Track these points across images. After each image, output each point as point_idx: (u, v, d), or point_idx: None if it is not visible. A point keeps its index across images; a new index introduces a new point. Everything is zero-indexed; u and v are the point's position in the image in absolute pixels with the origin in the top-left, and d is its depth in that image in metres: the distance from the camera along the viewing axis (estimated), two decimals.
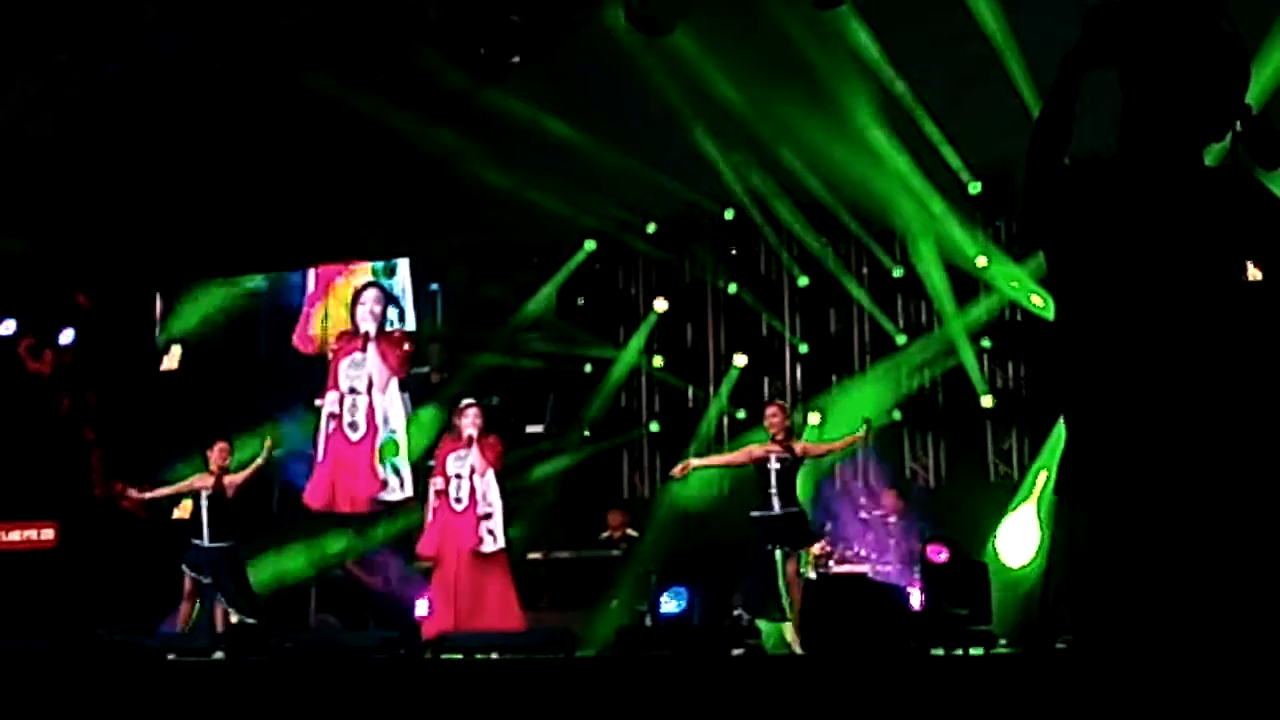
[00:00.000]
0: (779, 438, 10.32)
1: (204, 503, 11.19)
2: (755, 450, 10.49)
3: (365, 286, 13.24)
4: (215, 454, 11.38)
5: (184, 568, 11.04)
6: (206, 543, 11.09)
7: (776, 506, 10.23)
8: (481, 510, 11.09)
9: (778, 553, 10.11)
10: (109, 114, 10.75)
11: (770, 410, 10.50)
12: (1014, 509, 11.16)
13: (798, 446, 10.45)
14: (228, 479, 11.35)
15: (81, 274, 13.71)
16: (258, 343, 14.12)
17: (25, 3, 10.36)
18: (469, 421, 11.11)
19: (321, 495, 12.79)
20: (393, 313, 13.37)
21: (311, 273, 13.82)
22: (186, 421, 13.44)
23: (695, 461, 11.12)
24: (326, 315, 13.60)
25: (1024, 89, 10.36)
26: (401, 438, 12.80)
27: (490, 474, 11.14)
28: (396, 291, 13.47)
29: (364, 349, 12.91)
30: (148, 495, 11.77)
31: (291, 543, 12.64)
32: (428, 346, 13.29)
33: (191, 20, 10.31)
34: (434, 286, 13.50)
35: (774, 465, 10.27)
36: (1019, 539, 10.91)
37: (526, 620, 10.93)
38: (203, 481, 11.29)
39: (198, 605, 11.07)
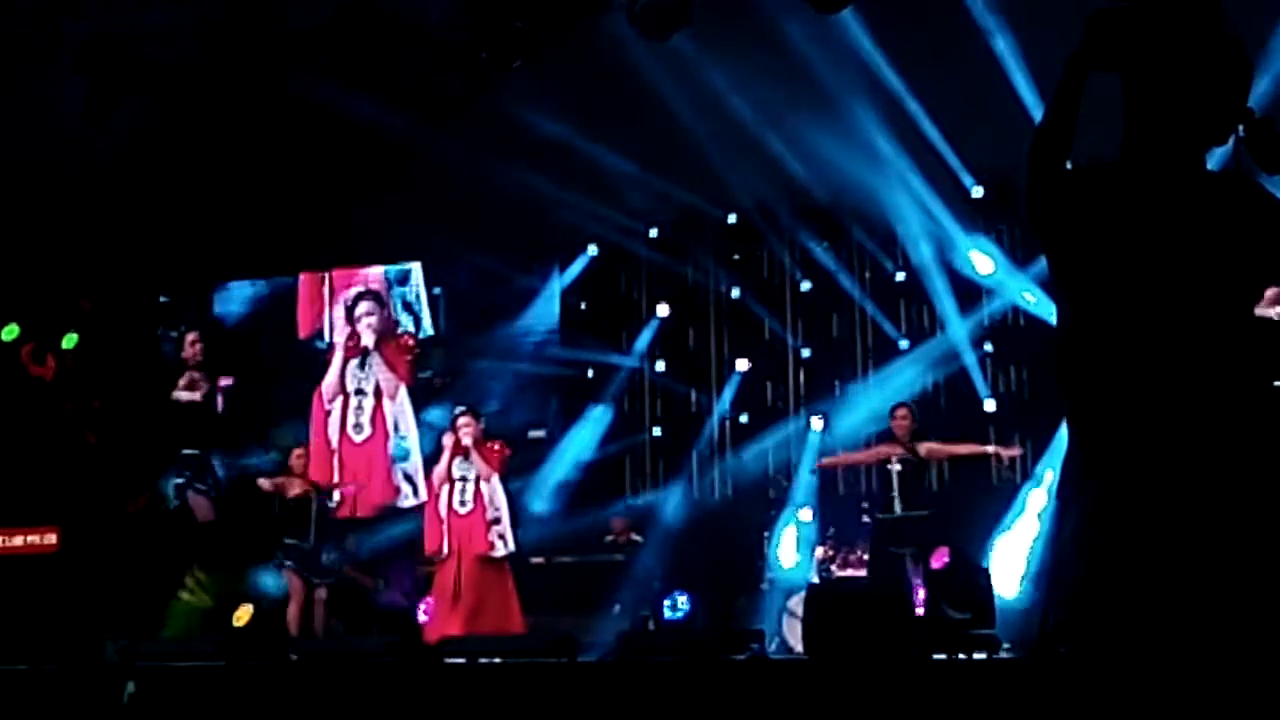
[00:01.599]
0: (905, 439, 10.31)
1: (313, 510, 11.35)
2: (883, 450, 10.44)
3: (359, 298, 13.23)
4: (298, 462, 11.61)
5: (291, 571, 11.20)
6: (315, 544, 11.30)
7: (898, 508, 10.24)
8: (490, 515, 11.11)
9: (906, 555, 10.10)
10: (113, 118, 10.74)
11: (900, 411, 10.50)
12: (1005, 531, 11.05)
13: (923, 448, 10.44)
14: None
15: (85, 278, 13.71)
16: (259, 349, 14.13)
17: (28, 6, 10.37)
18: (464, 432, 11.12)
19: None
20: (407, 320, 13.39)
21: (315, 277, 13.81)
22: (189, 425, 13.48)
23: (827, 460, 11.16)
24: (327, 324, 13.60)
25: (1027, 93, 10.36)
26: (414, 444, 12.81)
27: (495, 479, 11.15)
28: (410, 298, 13.46)
29: (370, 352, 12.93)
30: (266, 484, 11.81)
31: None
32: (430, 350, 13.29)
33: (197, 24, 10.32)
34: (437, 291, 13.50)
35: (895, 467, 10.30)
36: (1010, 566, 10.74)
37: (527, 624, 10.94)
38: (302, 487, 11.45)
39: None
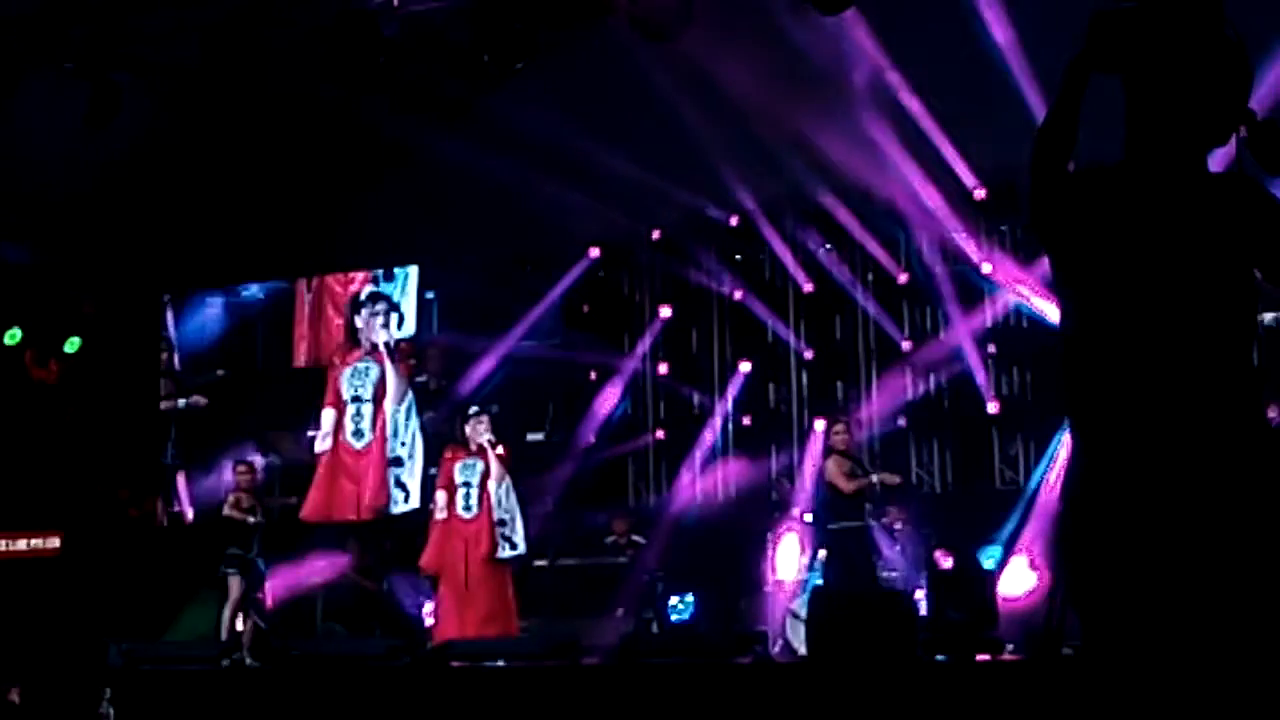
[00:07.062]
0: (853, 452, 10.63)
1: (258, 522, 11.34)
2: (860, 480, 10.53)
3: (370, 297, 13.15)
4: (242, 478, 11.48)
5: (231, 577, 11.09)
6: (255, 554, 11.20)
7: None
8: (498, 516, 11.13)
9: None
10: (114, 122, 10.74)
11: (838, 426, 10.68)
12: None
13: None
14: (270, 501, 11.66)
15: (87, 282, 13.70)
16: (254, 354, 14.11)
17: (31, 11, 10.37)
18: (482, 429, 11.19)
19: (317, 509, 12.76)
20: (393, 320, 13.30)
21: (305, 282, 13.71)
22: (186, 433, 13.50)
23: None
24: (322, 329, 13.51)
25: (1029, 93, 10.35)
26: (416, 449, 12.75)
27: (508, 480, 11.18)
28: (397, 297, 13.35)
29: (373, 356, 12.88)
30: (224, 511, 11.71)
31: (298, 552, 12.62)
32: (425, 353, 13.23)
33: (196, 28, 10.31)
34: (430, 295, 13.38)
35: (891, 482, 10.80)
36: (1017, 577, 10.64)
37: (526, 626, 10.98)
38: (247, 504, 11.35)
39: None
